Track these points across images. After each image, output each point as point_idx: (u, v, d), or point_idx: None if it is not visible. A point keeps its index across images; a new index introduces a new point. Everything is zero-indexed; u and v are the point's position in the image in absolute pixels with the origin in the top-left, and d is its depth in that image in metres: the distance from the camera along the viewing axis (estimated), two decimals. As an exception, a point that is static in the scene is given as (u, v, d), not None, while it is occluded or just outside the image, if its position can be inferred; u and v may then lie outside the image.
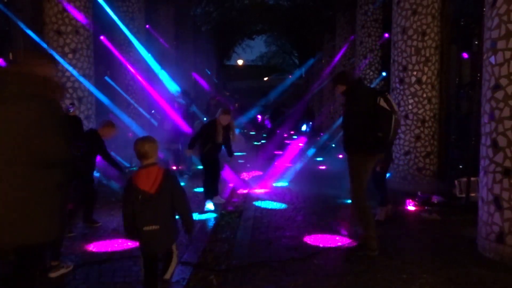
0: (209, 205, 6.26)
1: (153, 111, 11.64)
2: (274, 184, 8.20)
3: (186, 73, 16.20)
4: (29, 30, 7.90)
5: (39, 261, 2.60)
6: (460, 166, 7.57)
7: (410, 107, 7.49)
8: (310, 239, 4.88)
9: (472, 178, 6.07)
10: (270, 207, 6.52)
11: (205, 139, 6.35)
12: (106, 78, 10.58)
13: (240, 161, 12.11)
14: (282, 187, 8.05)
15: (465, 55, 8.84)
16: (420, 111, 7.45)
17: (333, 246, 4.60)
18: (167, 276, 3.33)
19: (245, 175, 9.47)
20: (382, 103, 4.12)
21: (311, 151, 12.54)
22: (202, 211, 6.12)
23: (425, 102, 7.44)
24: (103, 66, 10.66)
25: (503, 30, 4.08)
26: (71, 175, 3.11)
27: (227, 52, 34.60)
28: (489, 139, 4.27)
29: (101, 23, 9.93)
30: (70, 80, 7.74)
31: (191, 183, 7.87)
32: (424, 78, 7.41)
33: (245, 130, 21.30)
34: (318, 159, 12.15)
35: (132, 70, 10.64)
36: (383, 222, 5.39)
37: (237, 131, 8.63)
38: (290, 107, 20.34)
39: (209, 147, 6.29)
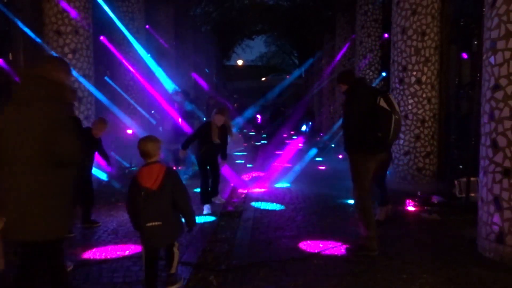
0: (206, 209, 6.19)
1: (152, 111, 11.64)
2: (276, 185, 8.19)
3: (186, 73, 16.19)
4: (29, 30, 7.89)
5: (57, 257, 2.74)
6: (460, 166, 7.57)
7: (409, 107, 7.50)
8: (310, 239, 4.88)
9: (472, 178, 6.07)
10: (270, 207, 6.52)
11: (201, 140, 6.32)
12: (106, 78, 10.57)
13: (240, 161, 12.12)
14: (282, 187, 8.05)
15: (465, 55, 8.84)
16: (419, 111, 7.46)
17: (333, 246, 4.59)
18: (173, 270, 3.47)
19: (245, 175, 9.47)
20: (382, 103, 4.12)
21: (311, 151, 12.54)
22: (200, 213, 6.11)
23: (425, 102, 7.45)
24: (103, 66, 10.65)
25: (503, 30, 4.09)
26: (79, 175, 3.33)
27: (227, 52, 34.58)
28: (489, 139, 4.27)
29: (101, 23, 9.92)
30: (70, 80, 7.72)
31: (191, 183, 7.87)
32: (423, 78, 7.42)
33: (245, 130, 21.31)
34: (318, 159, 12.15)
35: (132, 70, 10.64)
36: (383, 222, 5.38)
37: (235, 130, 8.64)
38: (290, 107, 20.35)
39: (205, 148, 6.24)
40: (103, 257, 4.37)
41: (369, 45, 11.65)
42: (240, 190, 7.90)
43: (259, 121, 24.82)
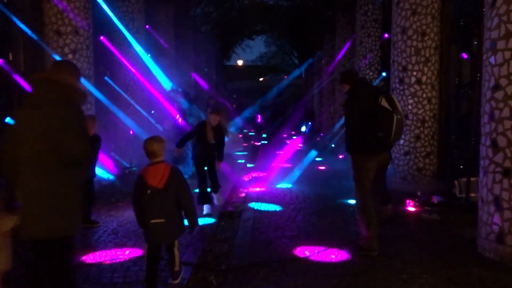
0: (205, 209, 6.15)
1: (152, 112, 11.64)
2: (277, 186, 8.17)
3: (186, 74, 16.19)
4: (29, 30, 7.89)
5: (69, 254, 2.82)
6: (461, 166, 7.57)
7: (410, 107, 7.50)
8: (310, 239, 4.88)
9: (472, 178, 6.06)
10: (270, 207, 6.52)
11: (197, 140, 6.29)
12: (106, 78, 10.57)
13: (240, 161, 12.12)
14: (282, 187, 8.05)
15: (465, 55, 8.84)
16: (420, 111, 7.46)
17: (333, 246, 4.59)
18: (176, 268, 3.58)
19: (245, 175, 9.47)
20: (384, 102, 4.12)
21: (311, 152, 12.54)
22: (200, 213, 6.10)
23: (425, 102, 7.45)
24: (103, 66, 10.65)
25: (503, 30, 4.09)
26: (88, 175, 3.46)
27: (227, 52, 34.57)
28: (489, 139, 4.27)
29: (101, 23, 9.92)
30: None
31: (192, 182, 7.85)
32: (424, 78, 7.42)
33: (245, 130, 21.31)
34: (318, 159, 12.15)
35: (132, 70, 10.64)
36: (383, 222, 5.38)
37: (233, 130, 8.60)
38: (290, 107, 20.35)
39: (201, 148, 6.21)
40: (103, 257, 4.37)
41: (369, 45, 11.65)
42: (240, 190, 7.90)
43: (259, 121, 24.80)
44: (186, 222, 3.54)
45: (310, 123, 20.32)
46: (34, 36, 7.84)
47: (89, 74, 8.03)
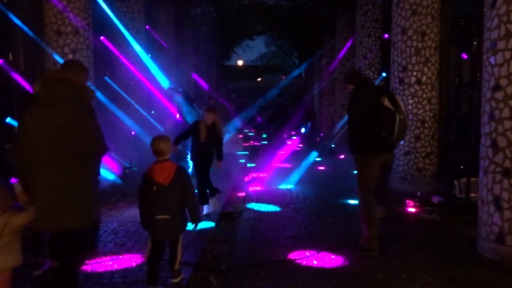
0: (205, 209, 6.10)
1: (152, 112, 11.64)
2: (278, 186, 8.16)
3: (186, 74, 16.20)
4: (29, 30, 7.89)
5: (82, 247, 3.00)
6: (461, 167, 7.56)
7: (410, 107, 7.49)
8: (310, 239, 4.88)
9: (472, 179, 6.06)
10: (270, 207, 6.52)
11: (192, 141, 6.26)
12: (106, 78, 10.57)
13: (240, 161, 12.13)
14: (282, 187, 8.04)
15: (465, 56, 8.83)
16: (420, 112, 7.45)
17: (333, 246, 4.59)
18: (176, 266, 3.67)
19: (245, 176, 9.47)
20: (386, 102, 4.13)
21: (311, 152, 12.54)
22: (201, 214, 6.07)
23: (425, 102, 7.44)
24: (103, 66, 10.65)
25: (503, 30, 4.09)
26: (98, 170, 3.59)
27: (227, 52, 34.59)
28: (489, 140, 4.27)
29: (101, 23, 9.92)
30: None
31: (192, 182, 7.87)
32: (423, 79, 7.41)
33: (246, 130, 21.30)
34: (318, 159, 12.15)
35: (132, 70, 10.64)
36: (383, 222, 5.37)
37: (232, 130, 8.57)
38: (290, 107, 20.32)
39: (196, 149, 6.17)
40: (103, 257, 4.36)
41: (369, 45, 11.65)
42: (240, 190, 7.90)
43: (259, 121, 24.78)
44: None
45: (309, 123, 20.29)
46: (34, 36, 7.85)
47: (89, 74, 8.03)
